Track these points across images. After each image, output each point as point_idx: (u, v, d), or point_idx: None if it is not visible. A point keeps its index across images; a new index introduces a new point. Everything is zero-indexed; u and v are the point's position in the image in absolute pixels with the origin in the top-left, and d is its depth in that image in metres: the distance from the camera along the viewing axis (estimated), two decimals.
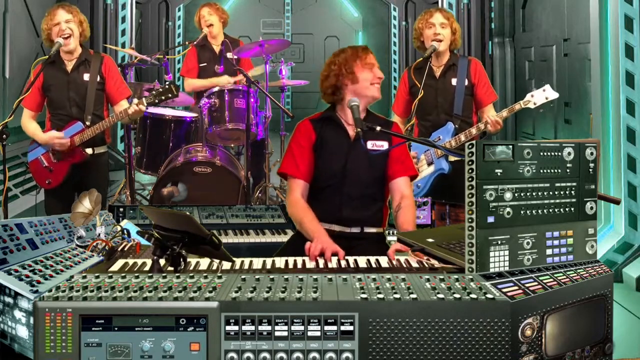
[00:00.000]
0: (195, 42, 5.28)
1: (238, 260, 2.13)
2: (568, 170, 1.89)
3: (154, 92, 3.81)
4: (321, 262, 2.24)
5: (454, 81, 3.74)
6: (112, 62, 3.94)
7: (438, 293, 1.59)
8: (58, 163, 3.80)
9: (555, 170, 1.87)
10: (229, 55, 4.96)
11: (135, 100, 3.77)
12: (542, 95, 3.59)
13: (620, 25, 4.26)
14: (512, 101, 6.62)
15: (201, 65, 5.28)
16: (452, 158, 3.61)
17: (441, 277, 1.71)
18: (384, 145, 2.69)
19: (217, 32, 5.27)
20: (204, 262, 2.12)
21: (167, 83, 3.84)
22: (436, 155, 3.66)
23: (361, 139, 2.44)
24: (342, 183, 2.69)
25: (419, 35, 3.80)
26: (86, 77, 3.82)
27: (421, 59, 3.78)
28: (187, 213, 1.93)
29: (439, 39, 3.71)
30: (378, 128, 2.41)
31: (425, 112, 3.78)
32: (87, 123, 3.76)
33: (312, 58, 9.57)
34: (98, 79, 3.83)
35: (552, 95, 3.60)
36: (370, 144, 2.67)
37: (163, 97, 3.78)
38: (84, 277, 1.70)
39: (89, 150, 3.83)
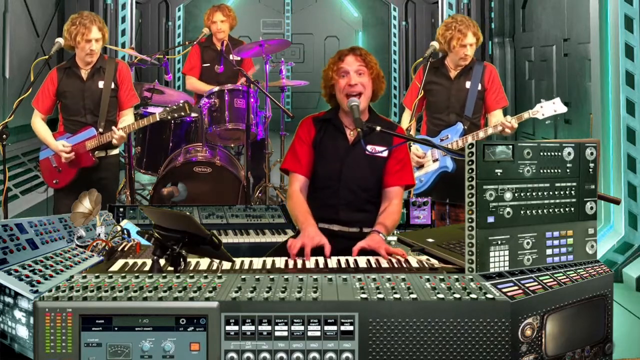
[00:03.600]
0: (197, 41, 5.27)
1: (238, 260, 2.13)
2: (568, 170, 1.89)
3: (167, 108, 3.93)
4: (321, 262, 2.23)
5: (467, 84, 3.79)
6: (126, 69, 3.99)
7: (438, 293, 1.59)
8: (67, 165, 3.86)
9: (555, 170, 1.87)
10: (230, 56, 4.95)
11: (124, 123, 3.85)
12: (551, 108, 3.65)
13: (620, 25, 4.26)
14: (512, 101, 6.63)
15: (204, 65, 5.28)
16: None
17: (441, 277, 1.72)
18: (383, 149, 2.67)
19: (224, 37, 5.26)
20: (204, 262, 2.12)
21: (182, 102, 3.93)
22: (442, 152, 3.69)
23: (362, 139, 2.44)
24: (339, 186, 2.69)
25: (449, 47, 3.78)
26: (101, 84, 3.88)
27: (438, 57, 3.82)
28: (187, 213, 1.93)
29: (467, 57, 3.77)
30: (378, 128, 2.41)
31: (437, 111, 3.86)
32: (100, 130, 3.82)
33: (312, 58, 9.57)
34: (112, 85, 3.90)
35: (561, 109, 3.65)
36: (369, 148, 2.66)
37: (176, 115, 3.91)
38: (84, 277, 1.70)
39: (101, 153, 3.90)
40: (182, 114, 3.90)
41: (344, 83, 2.63)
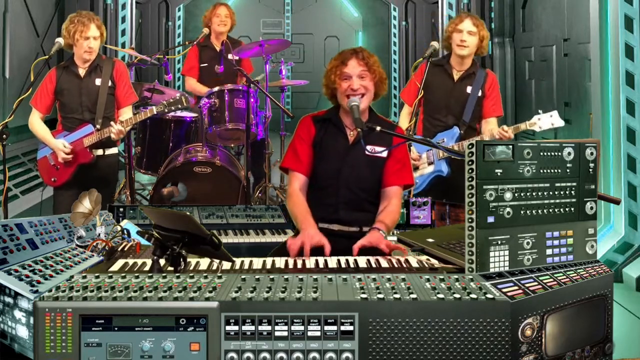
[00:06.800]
0: (196, 41, 5.28)
1: (238, 260, 2.13)
2: (568, 170, 1.89)
3: (164, 102, 3.94)
4: (321, 262, 2.23)
5: (469, 89, 3.76)
6: (123, 67, 4.02)
7: (438, 293, 1.59)
8: (65, 163, 3.86)
9: (555, 170, 1.87)
10: (230, 56, 4.95)
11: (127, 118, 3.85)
12: (548, 121, 3.61)
13: (620, 25, 4.26)
14: (512, 101, 6.64)
15: (202, 65, 5.28)
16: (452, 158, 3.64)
17: (441, 277, 1.71)
18: (383, 150, 2.67)
19: (224, 34, 5.27)
20: (204, 262, 2.12)
21: (178, 95, 3.96)
22: (437, 156, 3.69)
23: (362, 139, 2.43)
24: (338, 186, 2.69)
25: (447, 37, 3.80)
26: (98, 82, 3.90)
27: (441, 56, 3.80)
28: (187, 213, 1.93)
29: (464, 45, 3.71)
30: (378, 128, 2.40)
31: (435, 111, 3.82)
32: (98, 126, 3.84)
33: (312, 58, 9.56)
34: (109, 83, 3.92)
35: (558, 122, 3.62)
36: (369, 148, 2.66)
37: (173, 108, 3.93)
38: (84, 277, 1.70)
39: (99, 151, 3.92)
40: (180, 106, 3.92)
41: (346, 86, 2.64)
